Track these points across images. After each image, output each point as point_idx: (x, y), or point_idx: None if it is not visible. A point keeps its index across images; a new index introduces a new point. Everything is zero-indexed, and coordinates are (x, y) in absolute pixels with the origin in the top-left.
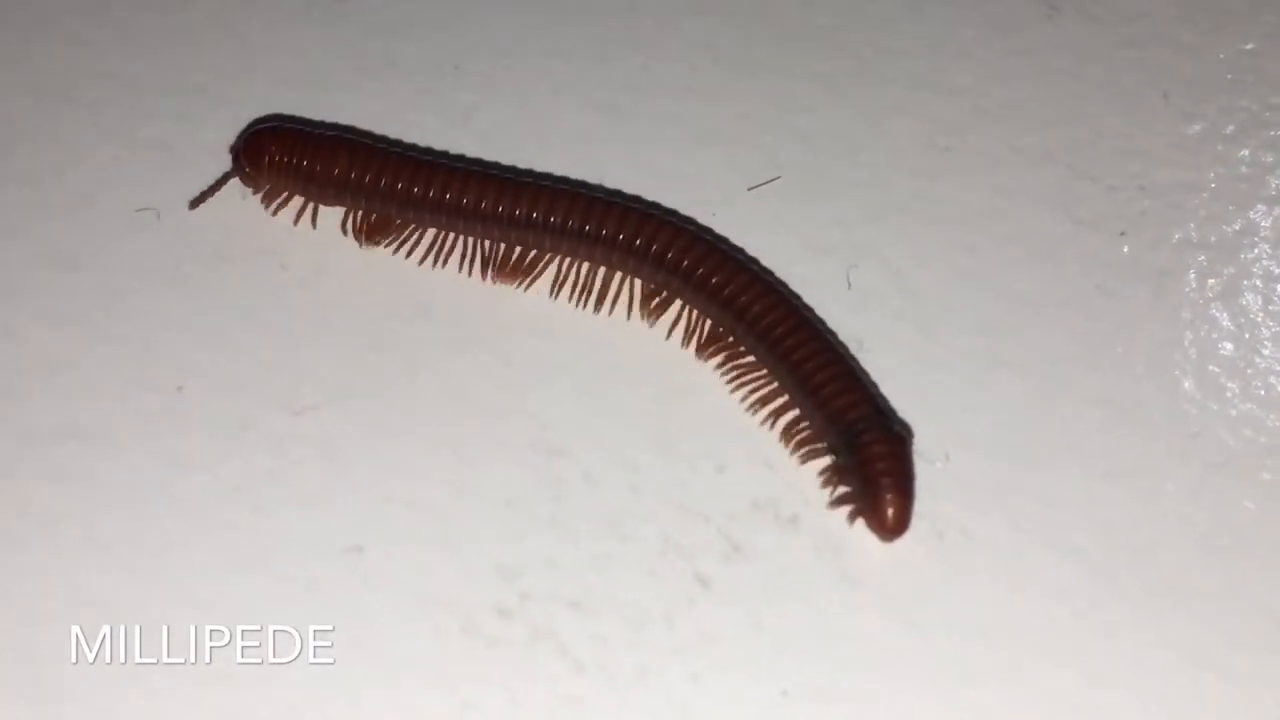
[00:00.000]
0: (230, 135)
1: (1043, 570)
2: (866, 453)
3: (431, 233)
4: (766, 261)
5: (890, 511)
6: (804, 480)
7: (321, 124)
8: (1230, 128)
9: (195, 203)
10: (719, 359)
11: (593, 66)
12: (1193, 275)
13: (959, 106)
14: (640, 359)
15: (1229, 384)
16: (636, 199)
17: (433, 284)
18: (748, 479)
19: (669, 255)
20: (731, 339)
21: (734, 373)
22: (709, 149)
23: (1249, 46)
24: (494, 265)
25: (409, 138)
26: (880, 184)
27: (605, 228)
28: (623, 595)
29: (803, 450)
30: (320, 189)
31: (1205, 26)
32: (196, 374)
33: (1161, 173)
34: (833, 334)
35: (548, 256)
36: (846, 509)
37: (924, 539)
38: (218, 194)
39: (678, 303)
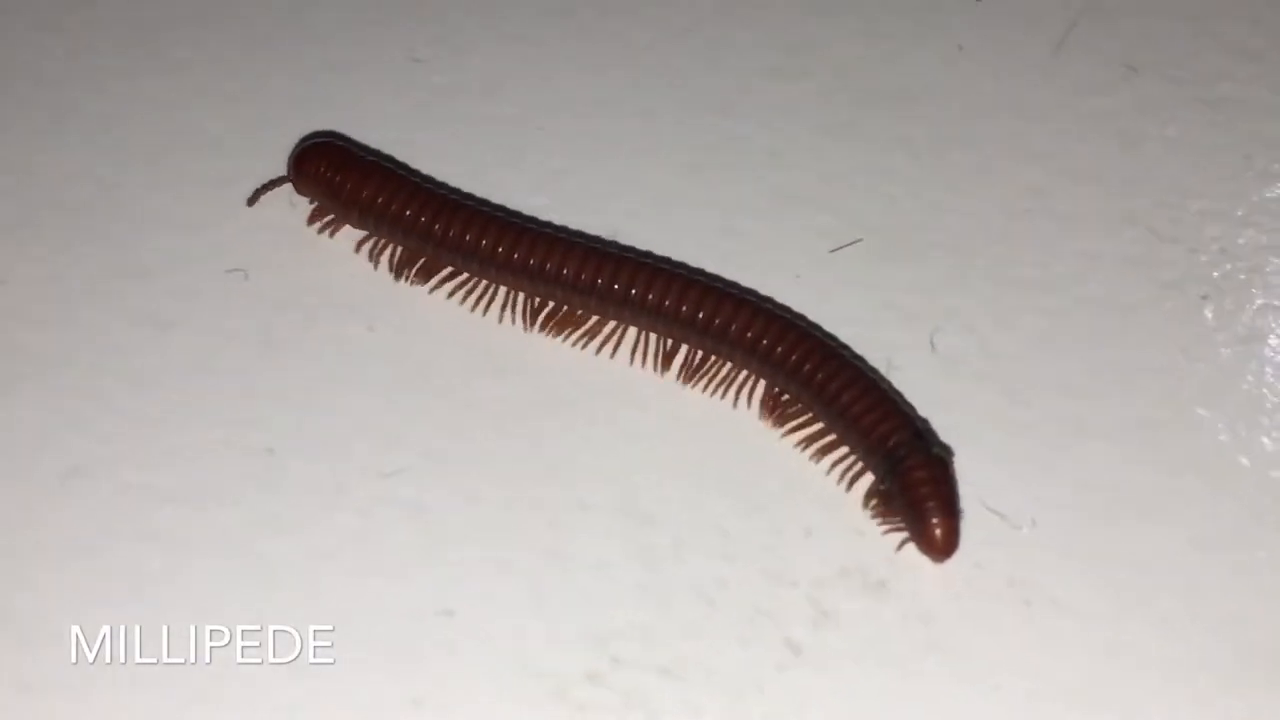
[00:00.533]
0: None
1: (1131, 638)
2: (908, 478)
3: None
4: (850, 325)
5: (938, 533)
6: (891, 546)
7: (390, 158)
8: None
9: (251, 201)
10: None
11: (675, 129)
12: (1276, 340)
13: (1039, 168)
14: (726, 422)
15: None
16: (628, 247)
17: (520, 346)
18: (835, 544)
19: (683, 309)
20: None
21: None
22: (790, 211)
23: None
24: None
25: (493, 198)
26: (962, 247)
27: (596, 276)
28: (713, 662)
29: (850, 481)
30: (345, 209)
31: None
32: (286, 436)
33: (1244, 235)
34: (861, 359)
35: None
36: (899, 537)
37: (1011, 605)
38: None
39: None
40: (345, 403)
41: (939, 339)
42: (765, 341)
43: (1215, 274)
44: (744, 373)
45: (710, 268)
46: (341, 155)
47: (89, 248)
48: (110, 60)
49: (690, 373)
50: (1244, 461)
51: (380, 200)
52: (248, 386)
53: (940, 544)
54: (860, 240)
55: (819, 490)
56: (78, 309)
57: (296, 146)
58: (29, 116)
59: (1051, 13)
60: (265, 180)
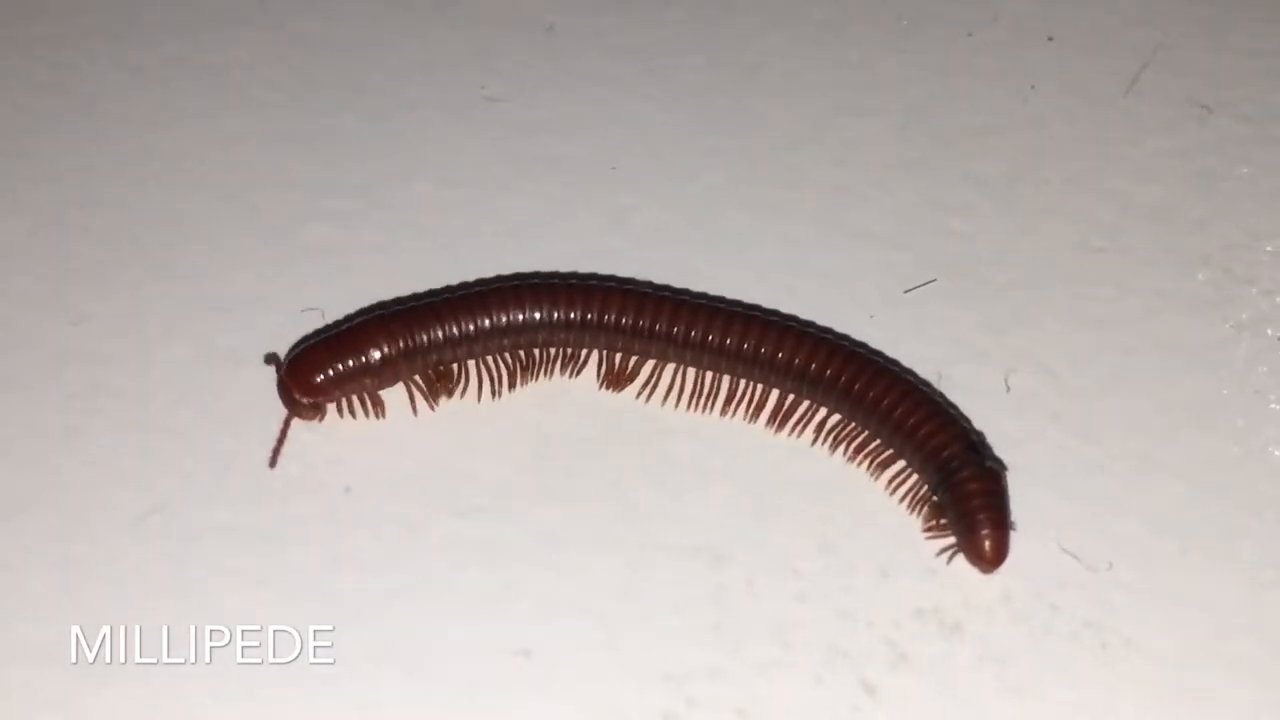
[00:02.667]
0: (388, 236)
1: (1206, 680)
2: (962, 490)
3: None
4: (923, 363)
5: (987, 545)
6: (966, 587)
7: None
8: None
9: (273, 461)
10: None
11: (747, 167)
12: None
13: (1113, 208)
14: (799, 462)
15: None
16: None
17: (593, 386)
18: (910, 585)
19: (728, 342)
20: (810, 404)
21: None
22: (863, 250)
23: None
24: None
25: (564, 237)
26: (1035, 286)
27: (625, 316)
28: (789, 702)
29: (905, 494)
30: (380, 376)
31: None
32: (363, 475)
33: None
34: (911, 372)
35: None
36: (946, 550)
37: (1087, 647)
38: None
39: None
40: (421, 442)
41: (1012, 378)
42: (814, 366)
43: None
44: (805, 403)
45: (783, 308)
46: (327, 348)
47: (167, 286)
48: (189, 100)
49: (732, 405)
50: None
51: (394, 347)
52: (324, 426)
53: (989, 555)
54: (934, 280)
55: (893, 530)
56: (155, 347)
57: (280, 388)
58: (108, 155)
59: (1124, 52)
60: (280, 428)
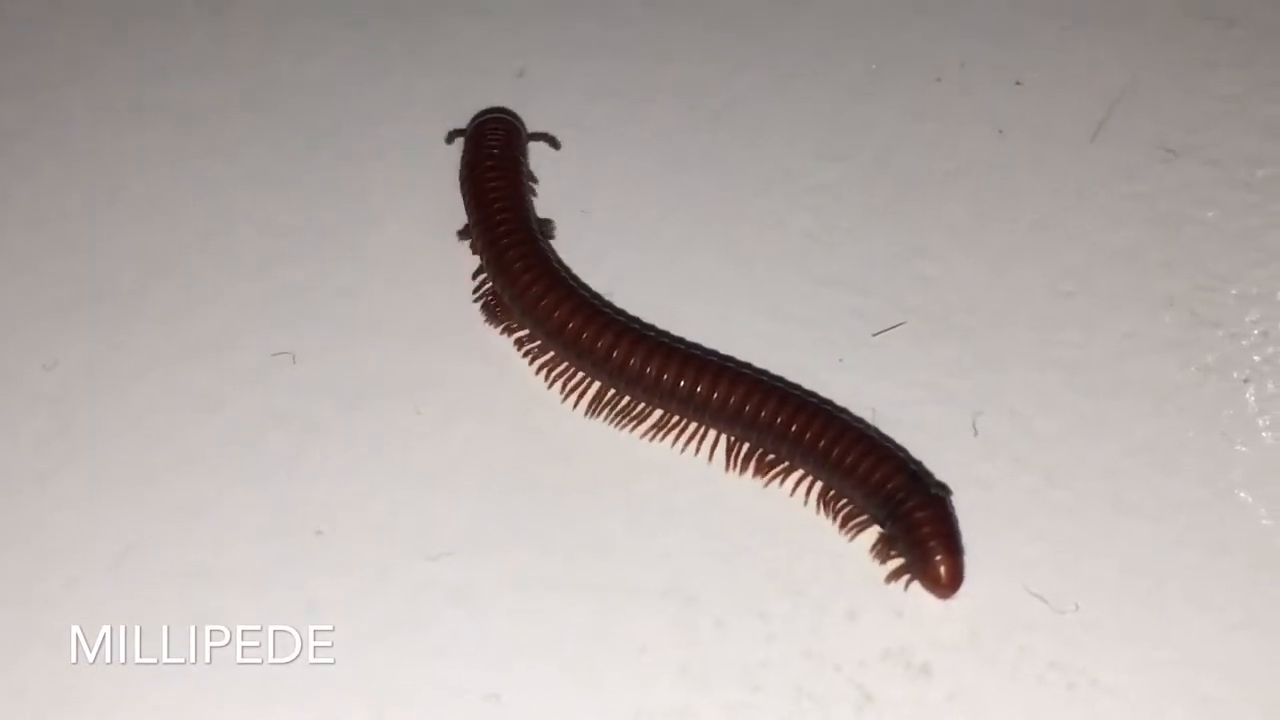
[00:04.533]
0: (360, 279)
1: None
2: (909, 520)
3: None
4: (891, 407)
5: (942, 570)
6: (934, 627)
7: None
8: None
9: (450, 138)
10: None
11: (719, 211)
12: None
13: (1080, 251)
14: (767, 503)
15: None
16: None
17: (564, 429)
18: (878, 626)
19: (669, 380)
20: (749, 447)
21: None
22: (832, 294)
23: None
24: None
25: None
26: (1004, 329)
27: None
28: None
29: (851, 529)
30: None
31: None
32: (334, 518)
33: None
34: (844, 410)
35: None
36: (902, 579)
37: (1054, 689)
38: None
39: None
40: (392, 485)
41: (980, 421)
42: (748, 408)
43: (1256, 358)
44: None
45: (752, 351)
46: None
47: (139, 329)
48: (161, 143)
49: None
50: None
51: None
52: (295, 468)
53: (945, 580)
54: (903, 323)
55: (860, 572)
56: (128, 390)
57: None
58: (81, 198)
59: (1090, 97)
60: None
